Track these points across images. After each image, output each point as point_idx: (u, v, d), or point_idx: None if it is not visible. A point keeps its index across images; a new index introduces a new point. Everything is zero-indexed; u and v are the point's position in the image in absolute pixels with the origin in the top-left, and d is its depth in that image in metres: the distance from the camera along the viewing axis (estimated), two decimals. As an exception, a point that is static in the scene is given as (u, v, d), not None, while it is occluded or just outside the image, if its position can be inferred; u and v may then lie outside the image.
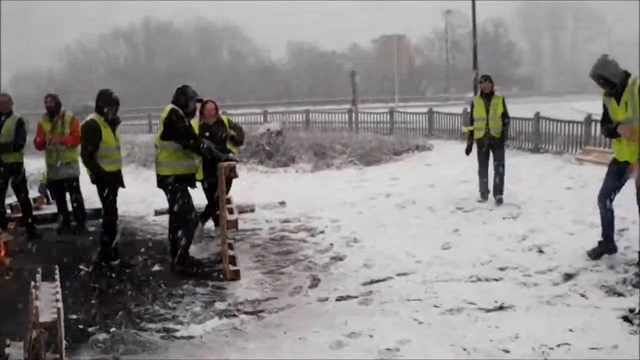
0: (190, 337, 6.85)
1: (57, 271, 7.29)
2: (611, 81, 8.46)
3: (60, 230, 11.95)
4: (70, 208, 12.12)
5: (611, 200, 8.83)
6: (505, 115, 13.13)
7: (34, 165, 15.65)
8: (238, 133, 11.09)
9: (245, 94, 76.63)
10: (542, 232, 10.46)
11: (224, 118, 11.38)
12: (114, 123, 9.76)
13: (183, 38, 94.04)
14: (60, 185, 12.02)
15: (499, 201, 12.94)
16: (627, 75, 8.47)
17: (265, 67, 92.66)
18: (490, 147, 13.15)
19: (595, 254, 8.85)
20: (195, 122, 10.58)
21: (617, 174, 8.75)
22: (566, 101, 68.29)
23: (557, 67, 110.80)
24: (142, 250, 10.34)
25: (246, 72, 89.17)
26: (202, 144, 9.05)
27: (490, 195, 13.15)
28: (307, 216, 12.86)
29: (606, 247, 8.93)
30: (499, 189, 13.03)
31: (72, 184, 11.95)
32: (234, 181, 9.61)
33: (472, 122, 13.23)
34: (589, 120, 19.21)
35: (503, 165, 13.12)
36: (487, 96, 13.17)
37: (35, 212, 12.46)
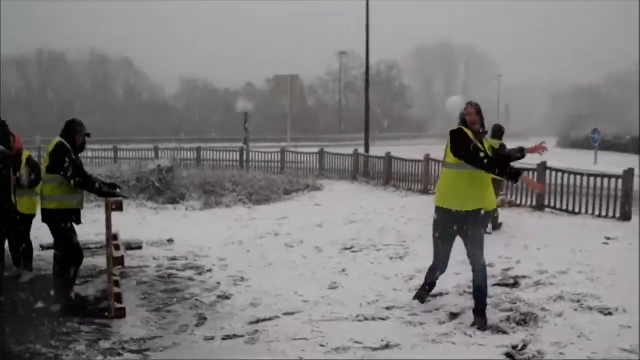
0: (73, 377, 6.72)
1: None
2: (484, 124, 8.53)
3: None
4: None
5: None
6: None
7: None
8: (28, 175, 10.47)
9: (138, 129, 75.89)
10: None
11: (25, 154, 10.82)
12: None
13: (77, 70, 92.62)
14: None
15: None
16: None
17: (159, 103, 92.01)
18: None
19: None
20: None
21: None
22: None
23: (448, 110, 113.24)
24: (26, 286, 10.12)
25: (140, 107, 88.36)
26: (88, 179, 8.94)
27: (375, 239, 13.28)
28: (195, 254, 12.77)
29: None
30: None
31: None
32: (122, 216, 9.41)
33: None
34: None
35: None
36: None
37: None
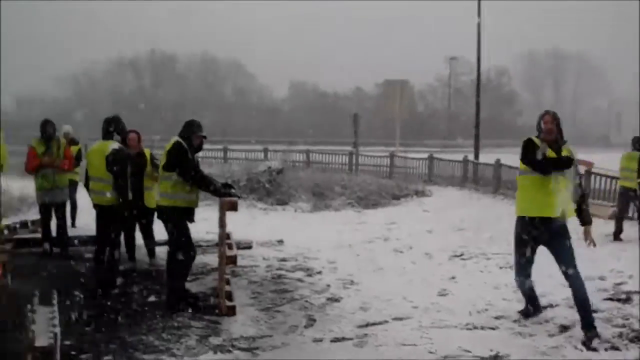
0: (184, 371, 6.83)
1: (55, 296, 7.31)
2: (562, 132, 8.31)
3: (44, 255, 11.94)
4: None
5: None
6: None
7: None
8: (152, 171, 11.04)
9: (247, 130, 76.75)
10: (540, 283, 10.35)
11: (147, 151, 11.47)
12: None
13: (188, 71, 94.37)
14: (49, 209, 12.10)
15: None
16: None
17: (267, 104, 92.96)
18: None
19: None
20: None
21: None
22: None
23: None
24: (140, 279, 10.37)
25: (249, 108, 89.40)
26: (204, 178, 9.08)
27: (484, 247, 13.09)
28: (304, 256, 12.88)
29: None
30: None
31: (61, 209, 12.07)
32: (232, 216, 9.50)
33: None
34: (589, 174, 19.03)
35: None
36: None
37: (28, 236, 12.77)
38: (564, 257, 8.10)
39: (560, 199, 8.08)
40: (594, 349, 7.56)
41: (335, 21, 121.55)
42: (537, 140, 8.15)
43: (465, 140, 57.45)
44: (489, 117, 73.56)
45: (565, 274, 8.10)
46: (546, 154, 8.04)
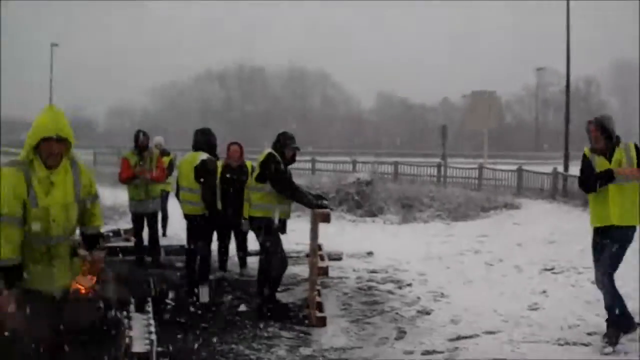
0: (275, 380, 6.90)
1: (149, 303, 7.46)
2: (611, 136, 8.27)
3: (138, 264, 12.15)
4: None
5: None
6: None
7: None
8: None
9: (335, 141, 77.03)
10: (633, 298, 10.21)
11: (248, 163, 11.64)
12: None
13: (275, 83, 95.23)
14: (141, 219, 12.33)
15: None
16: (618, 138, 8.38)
17: (354, 116, 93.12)
18: None
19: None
20: (219, 163, 11.12)
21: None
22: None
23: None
24: (231, 289, 10.51)
25: (336, 119, 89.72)
26: (296, 190, 9.16)
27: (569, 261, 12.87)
28: (394, 268, 12.87)
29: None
30: None
31: (153, 219, 12.31)
32: (321, 227, 9.55)
33: None
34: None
35: None
36: None
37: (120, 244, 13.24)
38: (602, 260, 8.45)
39: (617, 206, 8.23)
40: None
41: (420, 32, 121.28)
42: (587, 152, 8.48)
43: (554, 152, 56.59)
44: (578, 128, 72.29)
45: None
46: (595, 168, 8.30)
